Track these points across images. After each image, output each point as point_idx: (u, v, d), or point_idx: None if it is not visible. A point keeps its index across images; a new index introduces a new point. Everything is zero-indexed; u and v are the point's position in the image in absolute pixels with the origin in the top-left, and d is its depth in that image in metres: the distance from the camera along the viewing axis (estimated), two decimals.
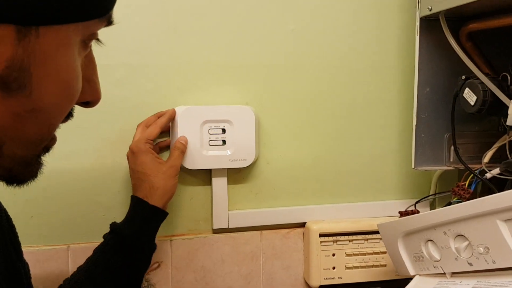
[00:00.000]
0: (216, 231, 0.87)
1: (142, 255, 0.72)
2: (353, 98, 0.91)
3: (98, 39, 0.44)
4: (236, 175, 0.87)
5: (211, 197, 0.86)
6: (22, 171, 0.42)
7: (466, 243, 0.62)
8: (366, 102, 0.91)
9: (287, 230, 0.89)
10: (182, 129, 0.80)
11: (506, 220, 0.56)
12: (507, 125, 0.72)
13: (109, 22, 0.42)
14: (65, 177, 0.79)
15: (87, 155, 0.80)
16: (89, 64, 0.44)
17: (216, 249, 0.86)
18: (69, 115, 0.44)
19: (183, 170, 0.82)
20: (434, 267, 0.68)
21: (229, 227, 0.86)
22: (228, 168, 0.85)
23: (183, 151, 0.79)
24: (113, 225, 0.72)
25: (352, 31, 0.90)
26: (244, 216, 0.87)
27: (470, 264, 0.62)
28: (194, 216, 0.86)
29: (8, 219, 0.58)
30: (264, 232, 0.88)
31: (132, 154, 0.76)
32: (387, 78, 0.92)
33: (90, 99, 0.45)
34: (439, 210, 0.65)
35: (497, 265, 0.57)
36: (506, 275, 0.56)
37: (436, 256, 0.67)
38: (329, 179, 0.91)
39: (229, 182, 0.86)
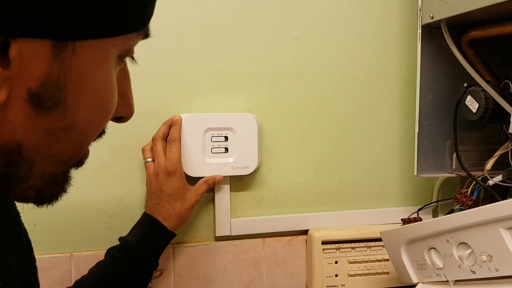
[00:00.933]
0: (219, 239, 0.87)
1: (150, 274, 0.74)
2: (355, 106, 0.91)
3: (133, 57, 0.43)
4: (239, 183, 0.87)
5: (214, 204, 0.86)
6: (49, 189, 0.39)
7: (469, 251, 0.62)
8: (368, 109, 0.92)
9: (289, 237, 0.89)
10: (184, 137, 0.80)
11: (509, 228, 0.56)
12: (509, 133, 0.72)
13: (146, 35, 0.41)
14: None
15: (90, 163, 0.80)
16: (124, 78, 0.42)
17: (219, 257, 0.86)
18: (102, 132, 0.42)
19: (186, 177, 0.82)
20: (437, 275, 0.68)
21: (232, 234, 0.86)
22: (230, 176, 0.85)
23: (211, 187, 0.82)
24: (126, 244, 0.72)
25: (355, 39, 0.90)
26: (247, 223, 0.87)
27: (473, 272, 0.61)
28: (196, 223, 0.86)
29: (26, 235, 0.57)
30: (267, 239, 0.88)
31: (167, 175, 0.76)
32: (390, 85, 0.92)
33: (123, 114, 0.43)
34: (442, 218, 0.65)
35: (500, 273, 0.57)
36: (510, 283, 0.56)
37: (439, 264, 0.67)
38: (331, 186, 0.91)
39: (231, 190, 0.86)
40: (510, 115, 0.73)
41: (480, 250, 0.60)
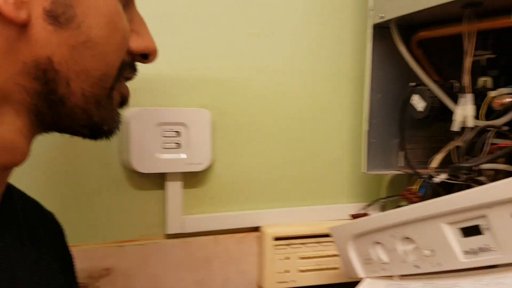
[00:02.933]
0: (170, 236, 0.85)
1: None
2: (308, 104, 0.92)
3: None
4: (191, 179, 0.86)
5: (165, 201, 0.84)
6: (97, 112, 0.44)
7: (413, 245, 0.63)
8: (320, 107, 0.93)
9: (242, 234, 0.89)
10: (135, 131, 0.78)
11: (450, 223, 0.58)
12: (452, 131, 0.74)
13: None
14: None
15: None
16: (135, 18, 0.49)
17: (170, 255, 0.85)
18: (133, 68, 0.49)
19: (136, 174, 0.81)
20: (383, 269, 0.70)
21: (184, 232, 0.85)
22: (183, 172, 0.84)
23: None
24: None
25: (308, 37, 0.91)
26: (199, 220, 0.86)
27: (417, 267, 0.63)
28: (146, 221, 0.84)
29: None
30: (219, 236, 0.87)
31: None
32: (341, 84, 0.94)
33: (145, 49, 0.49)
34: (387, 213, 0.67)
35: (443, 267, 0.59)
36: (451, 277, 0.58)
37: (385, 259, 0.69)
38: (284, 183, 0.92)
39: (184, 186, 0.85)
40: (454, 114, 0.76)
41: (423, 245, 0.61)
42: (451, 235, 0.58)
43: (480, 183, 0.80)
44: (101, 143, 0.78)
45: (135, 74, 0.51)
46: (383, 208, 0.97)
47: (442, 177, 0.82)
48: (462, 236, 0.57)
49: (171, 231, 0.84)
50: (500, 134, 0.71)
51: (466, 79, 0.72)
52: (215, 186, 0.88)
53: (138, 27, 0.49)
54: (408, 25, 0.84)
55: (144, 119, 0.79)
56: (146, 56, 0.50)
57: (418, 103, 0.80)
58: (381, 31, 0.85)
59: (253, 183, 0.90)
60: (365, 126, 0.87)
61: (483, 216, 0.53)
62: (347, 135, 0.95)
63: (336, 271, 0.88)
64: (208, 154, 0.83)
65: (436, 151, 0.88)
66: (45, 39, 0.39)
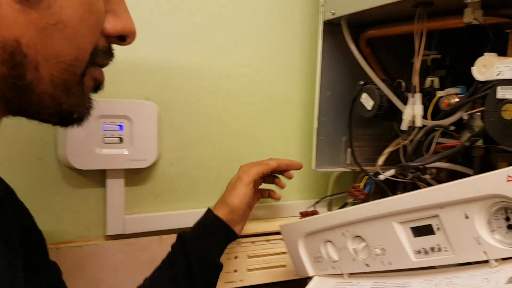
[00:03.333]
0: (110, 238, 0.80)
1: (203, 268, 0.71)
2: (258, 99, 0.90)
3: None
4: (135, 176, 0.81)
5: (105, 200, 0.79)
6: (67, 99, 0.41)
7: (364, 244, 0.63)
8: (270, 103, 0.91)
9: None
10: None
11: (401, 222, 0.58)
12: (401, 130, 0.75)
13: None
14: None
15: None
16: None
17: (110, 257, 0.79)
18: (109, 53, 0.46)
19: (73, 170, 0.75)
20: (333, 267, 0.69)
21: (125, 232, 0.80)
22: (125, 169, 0.79)
23: (261, 171, 0.79)
24: (180, 232, 0.73)
25: (258, 30, 0.89)
26: (143, 220, 0.81)
27: (367, 265, 0.63)
28: (84, 221, 0.78)
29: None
30: (164, 237, 0.83)
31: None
32: (291, 80, 0.92)
33: (120, 29, 0.45)
34: (338, 212, 0.66)
35: (393, 266, 0.59)
36: (402, 276, 0.59)
37: (335, 257, 0.68)
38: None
39: (126, 184, 0.80)
40: (402, 113, 0.77)
41: (374, 243, 0.61)
42: (403, 234, 0.58)
43: (425, 181, 0.82)
44: (34, 135, 0.72)
45: (111, 60, 0.47)
46: (330, 205, 0.98)
47: (387, 174, 0.84)
48: (413, 235, 0.57)
49: (112, 231, 0.79)
50: (445, 133, 0.73)
51: (416, 79, 0.72)
52: (160, 183, 0.83)
53: (116, 6, 0.45)
54: (359, 23, 0.84)
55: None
56: (124, 38, 0.46)
57: (366, 101, 0.80)
58: (332, 28, 0.84)
59: (201, 180, 0.87)
60: (315, 124, 0.86)
61: (435, 216, 0.54)
62: (297, 132, 0.94)
63: (283, 268, 0.88)
64: (154, 150, 0.79)
65: (381, 149, 0.89)
66: (12, 19, 0.36)
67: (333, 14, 0.81)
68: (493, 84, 0.59)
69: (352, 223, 0.64)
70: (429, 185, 0.83)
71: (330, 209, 0.97)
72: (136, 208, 0.82)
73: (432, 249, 0.55)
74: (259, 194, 0.83)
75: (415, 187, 0.84)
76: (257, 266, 0.86)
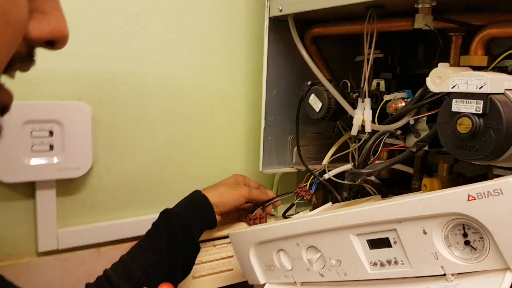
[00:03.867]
0: (43, 254, 0.73)
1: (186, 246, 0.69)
2: (200, 98, 0.85)
3: None
4: (68, 185, 0.74)
5: (35, 213, 0.71)
6: None
7: (318, 254, 0.63)
8: (214, 101, 0.87)
9: (130, 244, 0.79)
10: None
11: (358, 235, 0.58)
12: (352, 135, 0.75)
13: None
14: None
15: None
16: None
17: (43, 275, 0.72)
18: (28, 59, 0.38)
19: None
20: (285, 276, 0.68)
21: (59, 247, 0.73)
22: (56, 180, 0.71)
23: (259, 198, 0.83)
24: (165, 209, 0.72)
25: (199, 25, 0.83)
26: (78, 233, 0.75)
27: (322, 275, 0.63)
28: (13, 238, 0.70)
29: None
30: (103, 249, 0.77)
31: None
32: (236, 78, 0.89)
33: (48, 33, 0.37)
34: (293, 223, 0.65)
35: (349, 277, 0.59)
36: (357, 286, 0.59)
37: (288, 266, 0.67)
38: (176, 183, 0.84)
39: (58, 195, 0.73)
40: (347, 113, 0.76)
41: (329, 254, 0.61)
42: (359, 246, 0.58)
43: (370, 182, 0.83)
44: None
45: (32, 65, 0.40)
46: (275, 208, 0.96)
47: (332, 173, 0.84)
48: (369, 247, 0.57)
49: (44, 247, 0.72)
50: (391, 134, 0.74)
51: (365, 84, 0.72)
52: (96, 192, 0.77)
53: (45, 3, 0.37)
54: (306, 19, 0.82)
55: (7, 116, 0.65)
56: (52, 43, 0.39)
57: (314, 103, 0.79)
58: (278, 24, 0.81)
59: (142, 186, 0.81)
60: (262, 124, 0.83)
61: (392, 230, 0.54)
62: (243, 131, 0.91)
63: (230, 272, 0.85)
64: (88, 157, 0.72)
65: (325, 147, 0.89)
66: None
67: (280, 10, 0.78)
68: (443, 95, 0.59)
69: (307, 234, 0.63)
70: (373, 184, 0.84)
71: (275, 213, 0.95)
72: (70, 220, 0.75)
73: (389, 262, 0.55)
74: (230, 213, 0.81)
75: (360, 186, 0.85)
76: (203, 273, 0.82)
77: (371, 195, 0.82)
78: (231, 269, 0.86)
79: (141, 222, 0.79)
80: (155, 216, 0.77)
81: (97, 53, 0.74)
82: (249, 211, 0.85)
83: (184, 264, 0.69)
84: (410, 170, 0.79)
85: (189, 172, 0.85)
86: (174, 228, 0.68)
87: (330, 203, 0.81)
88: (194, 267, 0.82)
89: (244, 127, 0.91)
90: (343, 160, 0.84)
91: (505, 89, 0.52)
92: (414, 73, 0.80)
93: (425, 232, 0.51)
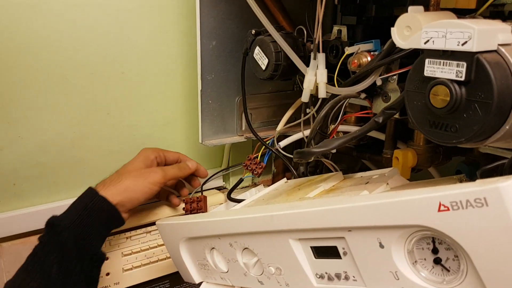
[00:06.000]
0: None
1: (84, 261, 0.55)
2: (121, 51, 0.68)
3: None
4: None
5: None
6: None
7: (255, 259, 0.50)
8: (140, 56, 0.69)
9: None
10: None
11: (300, 240, 0.44)
12: (302, 101, 0.60)
13: None
14: None
15: None
16: None
17: None
18: None
19: None
20: (222, 278, 0.56)
21: None
22: None
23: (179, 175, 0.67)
24: (52, 218, 0.57)
25: None
26: None
27: (261, 283, 0.51)
28: None
29: None
30: (5, 244, 0.63)
31: None
32: (166, 25, 0.71)
33: None
34: (223, 220, 0.51)
35: None
36: None
37: (223, 267, 0.55)
38: (97, 161, 0.70)
39: None
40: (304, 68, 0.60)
41: (268, 261, 0.48)
42: (301, 254, 0.45)
43: (329, 156, 0.69)
44: None
45: None
46: (226, 179, 0.82)
47: (285, 143, 0.70)
48: (314, 256, 0.44)
49: None
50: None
51: (318, 31, 0.55)
52: None
53: None
54: None
55: None
56: None
57: (260, 58, 0.62)
58: None
59: (51, 166, 0.67)
60: (199, 85, 0.67)
61: (341, 238, 0.40)
62: (179, 94, 0.75)
63: (169, 260, 0.72)
64: None
65: (283, 108, 0.74)
66: None
67: None
68: (417, 52, 0.43)
69: (241, 234, 0.50)
70: (333, 159, 0.70)
71: (228, 185, 0.82)
72: None
73: (338, 276, 0.43)
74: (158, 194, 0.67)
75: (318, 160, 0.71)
76: (135, 264, 0.70)
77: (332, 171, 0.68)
78: (170, 258, 0.73)
79: (57, 209, 0.65)
80: (72, 200, 0.62)
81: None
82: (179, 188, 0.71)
83: (87, 281, 0.56)
84: (382, 136, 0.65)
85: (114, 146, 0.70)
86: (66, 245, 0.54)
87: (285, 179, 0.67)
88: (124, 258, 0.69)
89: (180, 88, 0.74)
90: (305, 124, 0.70)
91: (498, 45, 0.37)
92: (390, 16, 0.63)
93: (381, 246, 0.38)
